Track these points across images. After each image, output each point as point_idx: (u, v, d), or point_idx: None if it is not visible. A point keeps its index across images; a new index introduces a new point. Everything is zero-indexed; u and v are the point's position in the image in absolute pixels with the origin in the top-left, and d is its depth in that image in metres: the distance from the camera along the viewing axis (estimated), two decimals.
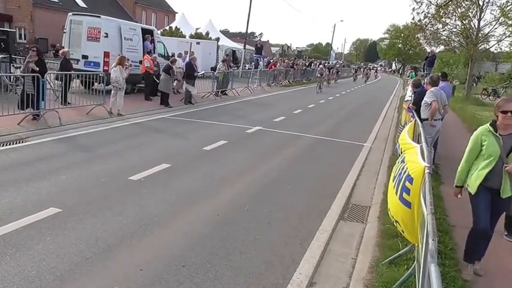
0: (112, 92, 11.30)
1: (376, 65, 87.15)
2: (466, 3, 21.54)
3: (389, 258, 4.24)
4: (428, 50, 25.05)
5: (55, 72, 12.20)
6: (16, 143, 7.89)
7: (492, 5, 21.32)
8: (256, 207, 5.68)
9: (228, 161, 7.92)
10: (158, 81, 14.20)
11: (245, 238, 4.71)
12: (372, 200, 6.41)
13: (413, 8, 21.85)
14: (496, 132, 3.95)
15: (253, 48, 34.89)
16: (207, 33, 33.61)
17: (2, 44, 12.69)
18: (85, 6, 36.73)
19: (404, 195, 3.55)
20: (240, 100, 17.84)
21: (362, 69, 55.65)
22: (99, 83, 12.27)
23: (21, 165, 6.67)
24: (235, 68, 26.32)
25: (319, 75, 26.68)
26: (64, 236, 4.38)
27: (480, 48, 23.04)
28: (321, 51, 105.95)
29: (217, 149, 8.73)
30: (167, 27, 35.31)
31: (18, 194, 5.35)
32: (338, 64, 51.92)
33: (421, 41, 26.29)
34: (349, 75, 50.00)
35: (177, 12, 51.34)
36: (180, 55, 17.60)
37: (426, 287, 2.48)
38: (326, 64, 41.60)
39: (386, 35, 78.80)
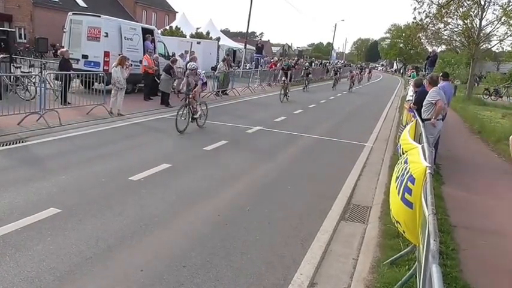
0: (112, 91, 11.28)
1: (375, 64, 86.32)
2: (467, 2, 21.57)
3: (391, 259, 4.23)
4: (430, 50, 25.06)
5: (54, 72, 12.19)
6: (16, 143, 7.88)
7: (494, 4, 21.34)
8: (257, 207, 5.66)
9: (228, 161, 7.91)
10: (159, 81, 14.19)
11: (246, 238, 4.69)
12: (373, 201, 6.39)
13: (415, 8, 21.93)
14: None
15: (254, 48, 34.86)
16: (208, 33, 33.57)
17: (2, 43, 12.68)
18: (85, 5, 36.71)
19: (406, 195, 3.54)
20: (240, 100, 17.83)
21: (356, 68, 43.99)
22: (99, 83, 12.26)
23: (21, 165, 6.66)
24: (236, 67, 26.28)
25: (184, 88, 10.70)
26: (64, 236, 4.36)
27: (482, 47, 23.01)
28: (322, 50, 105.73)
29: (217, 149, 8.72)
30: (167, 27, 35.27)
31: (18, 194, 5.34)
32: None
33: (422, 40, 26.24)
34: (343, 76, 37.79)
35: (177, 12, 51.35)
36: (181, 55, 17.58)
37: (427, 287, 2.46)
38: (285, 62, 23.99)
39: (388, 35, 78.74)
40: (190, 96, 10.12)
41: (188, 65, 11.23)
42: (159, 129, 10.36)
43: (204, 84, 10.72)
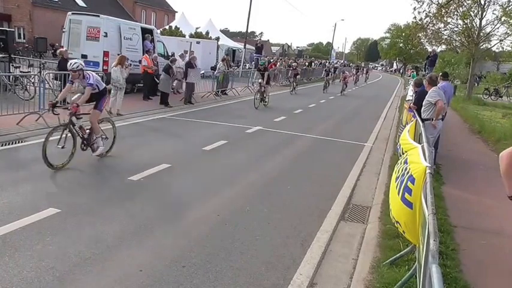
0: (112, 91, 11.26)
1: (375, 64, 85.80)
2: (467, 2, 21.52)
3: (391, 259, 4.22)
4: (430, 50, 25.01)
5: (54, 71, 12.17)
6: (15, 143, 7.87)
7: (494, 4, 21.28)
8: (257, 207, 5.65)
9: (228, 161, 7.90)
10: (158, 81, 14.18)
11: (245, 239, 4.68)
12: (373, 201, 6.38)
13: (415, 7, 21.89)
14: None
15: (254, 48, 34.82)
16: (207, 33, 33.53)
17: (1, 43, 12.67)
18: (84, 5, 36.71)
19: (406, 195, 3.53)
20: (240, 100, 17.80)
21: (352, 69, 41.78)
22: None
23: (20, 165, 6.65)
24: (235, 67, 26.25)
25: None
26: (63, 236, 4.35)
27: (482, 47, 22.96)
28: (321, 50, 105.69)
29: (217, 149, 8.71)
30: (167, 27, 35.21)
31: (17, 194, 5.33)
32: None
33: (422, 40, 26.12)
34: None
35: (176, 12, 51.40)
36: (181, 55, 17.57)
37: None
38: (262, 60, 23.09)
39: (388, 34, 78.62)
40: (70, 110, 6.64)
41: (69, 63, 6.90)
42: (158, 129, 10.35)
43: (100, 95, 7.09)
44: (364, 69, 48.61)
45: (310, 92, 24.63)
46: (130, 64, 13.27)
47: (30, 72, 14.30)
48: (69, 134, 6.67)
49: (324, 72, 28.26)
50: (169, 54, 17.88)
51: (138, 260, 4.04)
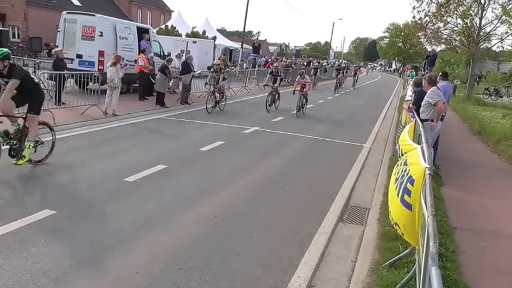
0: (108, 92, 11.20)
1: (374, 64, 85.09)
2: (467, 1, 21.48)
3: (390, 261, 4.18)
4: (429, 49, 24.96)
5: (48, 71, 12.08)
6: None
7: (494, 3, 21.25)
8: (254, 209, 5.61)
9: (225, 162, 7.85)
10: (154, 81, 14.11)
11: (242, 240, 4.63)
12: (372, 202, 6.33)
13: (414, 7, 21.88)
14: None
15: (251, 47, 34.77)
16: (204, 32, 33.40)
17: None
18: (80, 4, 36.53)
19: (406, 197, 3.49)
20: (237, 100, 17.75)
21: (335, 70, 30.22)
22: (93, 83, 12.16)
23: (15, 166, 6.55)
24: (233, 67, 26.16)
25: None
26: (58, 238, 4.30)
27: (482, 47, 22.92)
28: (319, 50, 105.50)
29: (214, 149, 8.65)
30: (163, 26, 35.06)
31: (12, 195, 5.27)
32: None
33: (421, 40, 25.99)
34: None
35: (173, 11, 51.28)
36: (178, 55, 17.49)
37: None
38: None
39: (386, 34, 78.66)
40: None
41: None
42: (154, 130, 10.28)
43: None
44: (355, 69, 37.32)
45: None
46: (126, 64, 13.19)
47: None
48: None
49: (268, 76, 16.60)
50: (166, 53, 17.80)
51: (134, 262, 3.98)
